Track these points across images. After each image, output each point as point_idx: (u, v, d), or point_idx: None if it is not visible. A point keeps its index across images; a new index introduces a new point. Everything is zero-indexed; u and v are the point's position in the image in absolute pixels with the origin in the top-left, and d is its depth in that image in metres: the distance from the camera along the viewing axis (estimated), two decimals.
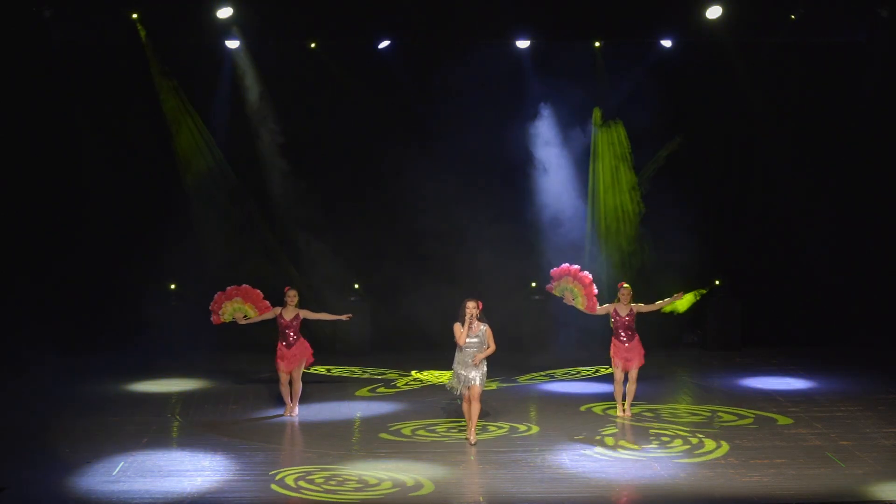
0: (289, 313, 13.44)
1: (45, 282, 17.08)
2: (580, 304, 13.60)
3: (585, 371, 16.48)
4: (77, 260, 17.61)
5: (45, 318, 16.78)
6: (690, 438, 12.36)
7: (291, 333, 13.41)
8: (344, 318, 13.93)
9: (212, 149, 18.08)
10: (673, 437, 12.41)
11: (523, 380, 15.86)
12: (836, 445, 12.00)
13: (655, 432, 12.64)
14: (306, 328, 13.71)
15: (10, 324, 16.15)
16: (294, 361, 13.43)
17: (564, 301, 13.70)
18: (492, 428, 12.85)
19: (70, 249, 17.56)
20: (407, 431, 12.85)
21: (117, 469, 11.11)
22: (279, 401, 13.77)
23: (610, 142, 18.48)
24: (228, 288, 13.71)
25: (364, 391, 15.07)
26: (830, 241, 18.48)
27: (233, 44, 17.50)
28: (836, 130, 18.45)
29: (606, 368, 16.40)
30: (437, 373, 15.96)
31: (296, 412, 13.55)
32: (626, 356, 13.44)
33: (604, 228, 18.63)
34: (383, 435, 12.65)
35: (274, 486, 10.60)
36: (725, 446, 11.99)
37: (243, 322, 13.68)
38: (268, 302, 13.64)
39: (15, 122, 16.61)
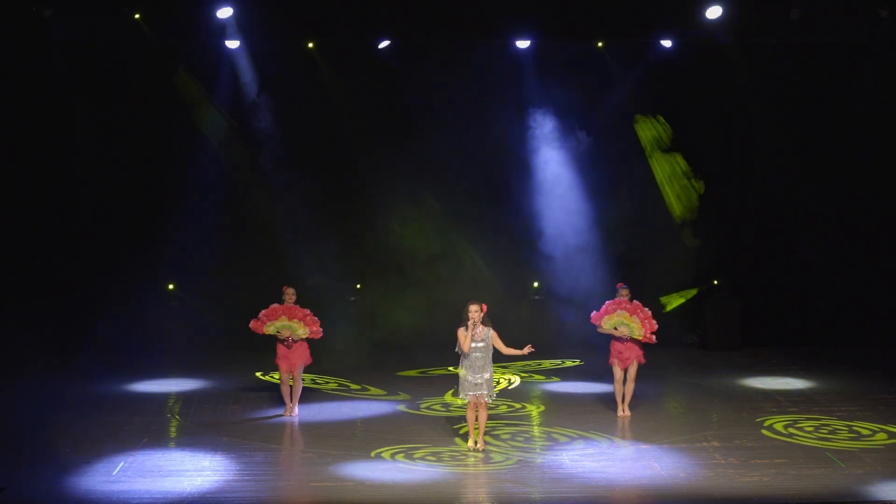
0: None
1: (44, 281, 17.07)
2: (636, 333, 13.25)
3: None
4: (76, 260, 17.64)
5: (45, 318, 16.77)
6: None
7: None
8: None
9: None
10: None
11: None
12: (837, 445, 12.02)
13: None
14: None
15: (9, 324, 16.14)
16: (295, 362, 13.41)
17: (618, 334, 13.33)
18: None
19: (69, 249, 17.58)
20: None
21: (117, 469, 11.11)
22: (279, 401, 13.76)
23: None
24: (289, 307, 13.35)
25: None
26: (830, 241, 18.48)
27: (233, 44, 17.50)
28: (836, 130, 18.45)
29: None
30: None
31: (296, 412, 13.55)
32: (625, 355, 13.41)
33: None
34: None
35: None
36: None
37: (284, 337, 13.27)
38: (298, 311, 13.35)
39: (14, 121, 16.60)
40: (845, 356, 17.51)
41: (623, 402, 13.54)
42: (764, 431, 12.66)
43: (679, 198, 18.32)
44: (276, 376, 14.23)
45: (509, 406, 13.93)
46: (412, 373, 16.42)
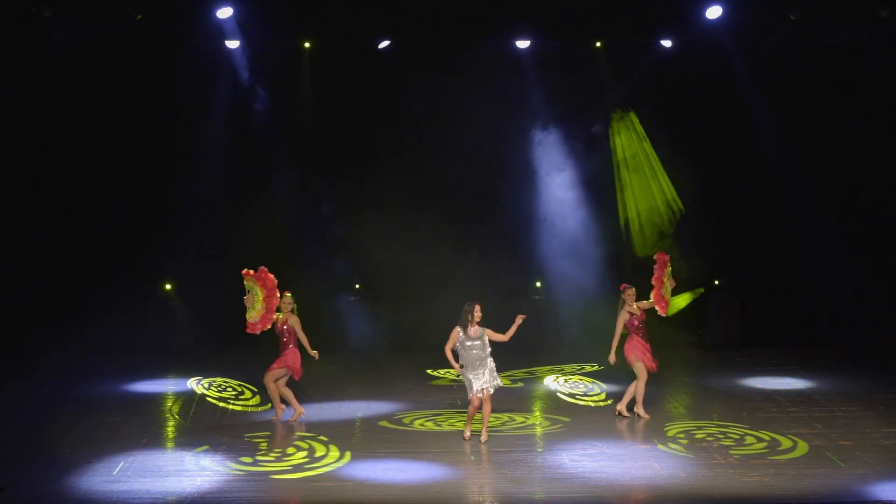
0: (279, 318, 13.29)
1: (42, 281, 17.08)
2: (668, 275, 13.33)
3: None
4: (74, 260, 17.63)
5: (44, 318, 16.77)
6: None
7: (283, 339, 13.21)
8: (313, 354, 13.21)
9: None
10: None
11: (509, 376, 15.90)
12: (836, 445, 12.00)
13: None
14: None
15: (8, 324, 16.15)
16: (269, 367, 13.19)
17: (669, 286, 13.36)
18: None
19: (67, 249, 17.58)
20: (406, 420, 13.16)
21: (117, 469, 11.12)
22: (279, 401, 13.71)
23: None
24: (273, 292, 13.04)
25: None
26: (830, 241, 18.49)
27: (233, 44, 17.51)
28: (836, 130, 18.46)
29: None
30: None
31: (301, 409, 13.39)
32: (650, 355, 13.37)
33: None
34: (383, 423, 13.21)
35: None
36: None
37: (247, 303, 12.98)
38: (276, 301, 13.04)
39: (14, 121, 16.61)
40: (845, 356, 17.52)
41: (639, 403, 13.46)
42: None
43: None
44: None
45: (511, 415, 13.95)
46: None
